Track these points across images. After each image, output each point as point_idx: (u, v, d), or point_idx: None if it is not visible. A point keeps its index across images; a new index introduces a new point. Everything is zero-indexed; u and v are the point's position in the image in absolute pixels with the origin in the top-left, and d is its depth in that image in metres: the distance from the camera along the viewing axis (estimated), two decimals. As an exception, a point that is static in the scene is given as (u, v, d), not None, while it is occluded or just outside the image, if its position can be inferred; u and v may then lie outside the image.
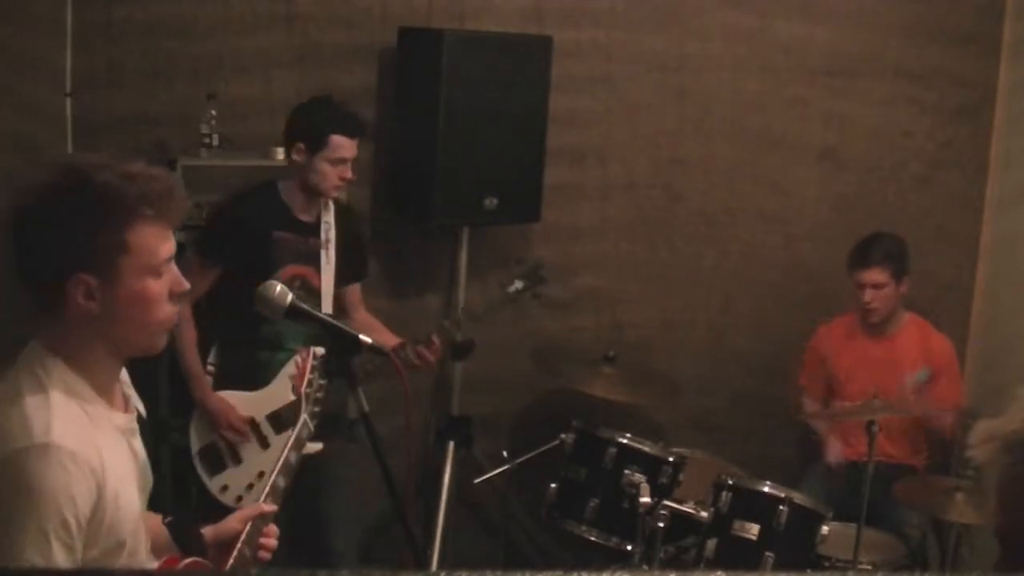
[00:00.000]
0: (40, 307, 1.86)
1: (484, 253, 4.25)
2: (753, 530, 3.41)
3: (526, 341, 4.36)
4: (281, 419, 3.49)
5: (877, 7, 4.53)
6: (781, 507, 3.40)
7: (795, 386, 4.34)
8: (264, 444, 3.49)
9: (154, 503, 2.09)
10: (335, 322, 2.24)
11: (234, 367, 3.56)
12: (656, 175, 4.50)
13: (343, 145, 3.45)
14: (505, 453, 3.93)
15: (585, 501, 3.64)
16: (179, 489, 3.65)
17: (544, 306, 4.44)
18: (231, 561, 2.13)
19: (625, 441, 3.67)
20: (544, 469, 3.85)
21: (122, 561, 1.85)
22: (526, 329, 4.43)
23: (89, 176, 1.79)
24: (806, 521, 3.43)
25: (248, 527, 2.16)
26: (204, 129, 3.77)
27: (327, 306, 3.54)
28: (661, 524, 3.38)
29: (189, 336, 3.47)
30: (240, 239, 3.42)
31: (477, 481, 4.01)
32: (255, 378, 3.52)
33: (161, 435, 3.58)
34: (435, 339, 3.52)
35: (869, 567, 3.47)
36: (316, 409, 2.43)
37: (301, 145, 3.44)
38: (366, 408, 2.24)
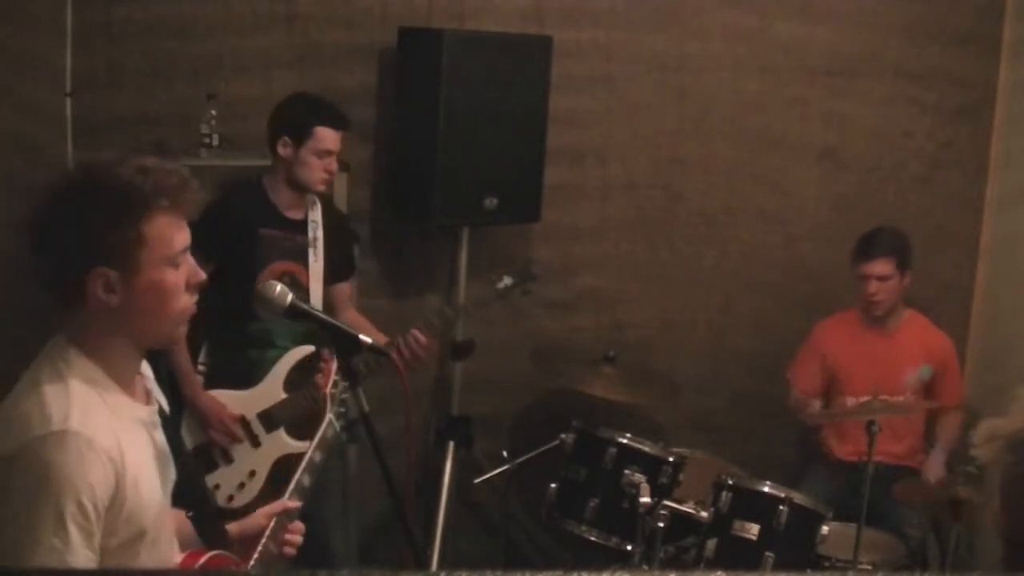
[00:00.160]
0: (61, 303, 1.90)
1: (484, 253, 4.25)
2: (753, 530, 3.41)
3: (526, 341, 4.36)
4: (272, 417, 3.50)
5: (877, 7, 4.53)
6: (781, 507, 3.40)
7: (782, 378, 4.32)
8: (255, 443, 3.49)
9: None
10: (335, 322, 2.24)
11: (224, 366, 3.56)
12: (656, 175, 4.50)
13: (328, 137, 3.48)
14: (505, 453, 3.93)
15: (585, 501, 3.64)
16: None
17: (544, 306, 4.45)
18: (255, 556, 2.16)
19: (625, 441, 3.67)
20: (544, 469, 3.85)
21: (144, 549, 1.89)
22: (526, 329, 4.43)
23: (104, 172, 1.85)
24: (806, 521, 3.43)
25: (272, 523, 2.20)
26: (204, 129, 3.77)
27: (316, 304, 3.55)
28: (661, 524, 3.38)
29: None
30: (227, 237, 3.41)
31: (477, 481, 4.02)
32: (246, 376, 3.52)
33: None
34: (417, 332, 3.54)
35: (869, 567, 3.47)
36: (342, 409, 2.44)
37: (287, 138, 3.46)
38: (366, 408, 2.24)
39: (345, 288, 3.79)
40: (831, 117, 4.58)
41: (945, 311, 4.55)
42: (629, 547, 3.52)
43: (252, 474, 3.47)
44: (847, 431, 4.15)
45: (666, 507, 3.43)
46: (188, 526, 2.14)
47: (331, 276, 3.65)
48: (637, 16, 4.34)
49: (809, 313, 4.41)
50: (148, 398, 2.02)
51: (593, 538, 3.63)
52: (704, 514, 3.48)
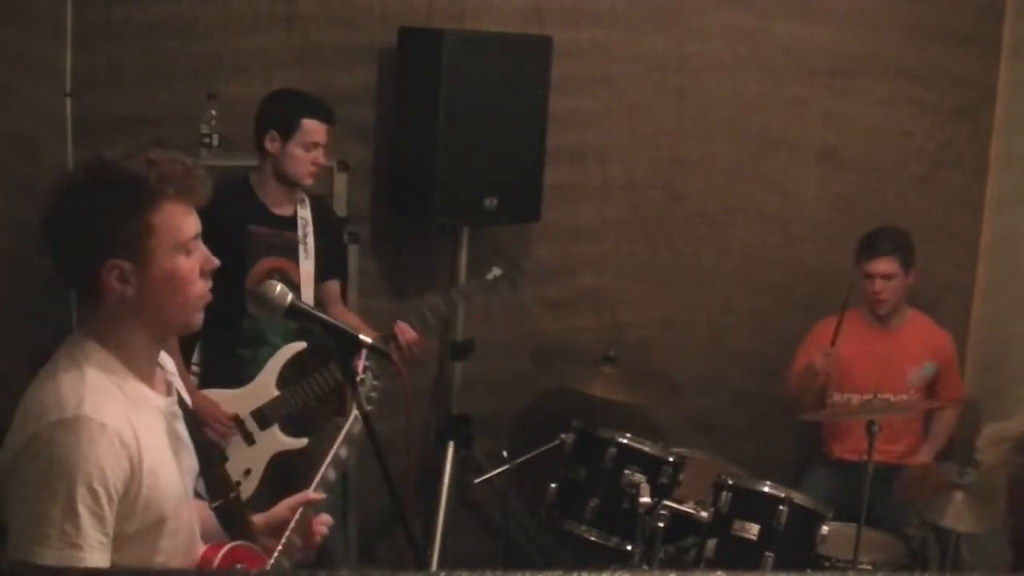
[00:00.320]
0: (79, 297, 1.93)
1: (484, 253, 4.25)
2: (753, 530, 3.41)
3: (526, 341, 4.36)
4: (265, 415, 3.50)
5: (877, 7, 4.53)
6: (781, 507, 3.40)
7: (782, 378, 4.30)
8: (249, 441, 3.49)
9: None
10: (335, 322, 2.24)
11: (217, 364, 3.57)
12: (656, 175, 4.50)
13: (315, 129, 3.50)
14: (505, 453, 3.93)
15: (585, 501, 3.64)
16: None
17: (544, 306, 4.45)
18: (280, 547, 2.17)
19: (625, 441, 3.67)
20: (544, 469, 3.85)
21: (165, 540, 1.92)
22: (526, 329, 4.43)
23: (108, 166, 1.88)
24: (806, 521, 3.42)
25: (297, 515, 2.22)
26: (204, 129, 3.78)
27: (308, 301, 3.55)
28: (661, 524, 3.38)
29: None
30: (216, 235, 3.41)
31: (477, 481, 4.02)
32: (238, 375, 3.53)
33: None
34: (405, 325, 3.55)
35: (869, 567, 3.47)
36: (369, 408, 2.44)
37: (274, 132, 3.48)
38: (366, 408, 2.24)
39: (336, 286, 3.80)
40: (831, 117, 4.58)
41: (945, 311, 4.55)
42: (629, 547, 3.52)
43: (247, 472, 3.47)
44: (848, 429, 4.15)
45: (666, 507, 3.43)
46: (212, 518, 2.15)
47: (322, 273, 3.67)
48: (637, 16, 4.35)
49: (809, 313, 4.41)
50: (168, 389, 2.04)
51: (593, 538, 3.63)
52: (704, 514, 3.48)
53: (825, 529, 3.42)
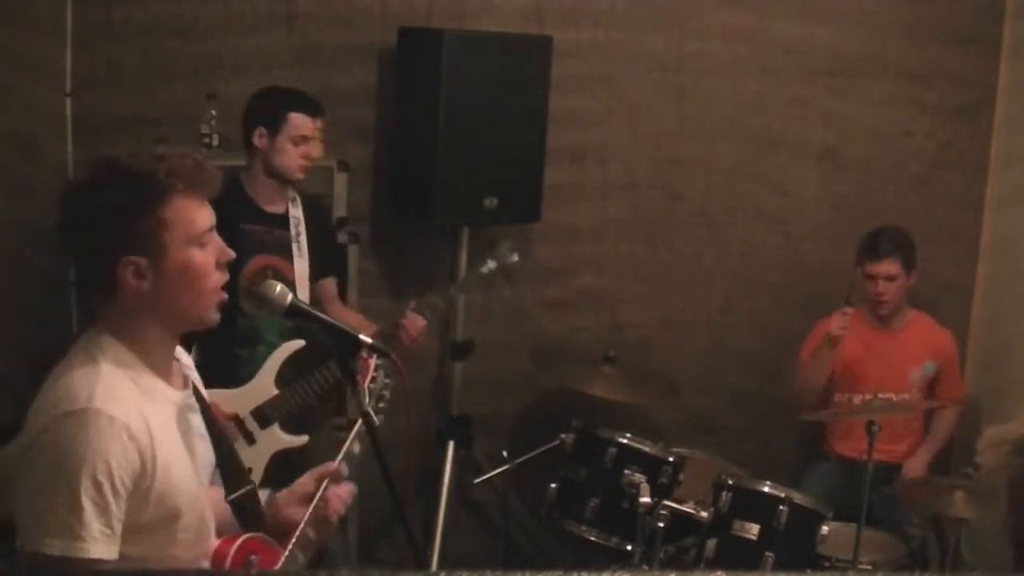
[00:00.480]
0: (97, 295, 1.94)
1: (484, 253, 4.25)
2: (753, 530, 3.40)
3: (526, 341, 4.36)
4: (265, 414, 3.50)
5: (877, 7, 4.53)
6: (781, 507, 3.39)
7: (782, 378, 4.29)
8: (250, 440, 3.49)
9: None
10: (336, 322, 2.24)
11: (214, 365, 3.55)
12: (656, 175, 4.50)
13: (303, 122, 3.51)
14: (505, 453, 3.93)
15: (585, 501, 3.64)
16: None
17: (544, 306, 4.45)
18: (293, 540, 2.17)
19: (625, 441, 3.67)
20: (544, 469, 3.85)
21: (180, 534, 1.93)
22: (526, 329, 4.43)
23: (116, 165, 1.91)
24: (806, 521, 3.42)
25: (311, 507, 2.20)
26: (204, 129, 3.78)
27: (303, 299, 3.54)
28: (661, 524, 3.38)
29: None
30: None
31: (477, 481, 4.02)
32: (236, 374, 3.52)
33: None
34: (414, 316, 3.56)
35: (869, 567, 3.47)
36: (381, 405, 2.45)
37: (262, 128, 3.50)
38: (366, 407, 2.24)
39: (332, 284, 3.81)
40: (831, 117, 4.58)
41: (945, 311, 4.55)
42: (629, 547, 3.52)
43: (249, 471, 3.47)
44: (850, 428, 4.15)
45: (666, 507, 3.43)
46: (228, 510, 2.16)
47: (316, 272, 3.67)
48: (637, 16, 4.34)
49: (809, 313, 4.41)
50: (184, 382, 2.06)
51: (593, 538, 3.63)
52: (704, 514, 3.48)
53: (825, 529, 3.42)
